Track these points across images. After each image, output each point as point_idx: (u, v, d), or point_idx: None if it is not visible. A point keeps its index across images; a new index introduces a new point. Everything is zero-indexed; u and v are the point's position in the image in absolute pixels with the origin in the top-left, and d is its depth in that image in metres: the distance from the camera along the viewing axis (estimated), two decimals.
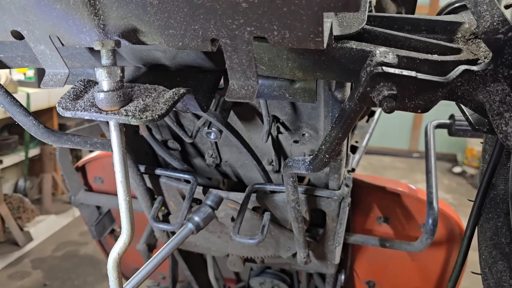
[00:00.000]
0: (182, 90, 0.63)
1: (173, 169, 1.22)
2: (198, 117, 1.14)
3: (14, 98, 0.80)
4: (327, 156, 0.70)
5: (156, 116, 0.58)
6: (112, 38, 0.62)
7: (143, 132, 1.11)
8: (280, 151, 1.16)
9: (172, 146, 1.31)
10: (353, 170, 1.26)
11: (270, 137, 1.13)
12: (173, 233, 1.38)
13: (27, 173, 4.53)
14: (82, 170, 1.55)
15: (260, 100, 0.98)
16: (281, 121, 1.09)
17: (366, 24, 0.68)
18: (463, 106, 0.73)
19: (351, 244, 1.39)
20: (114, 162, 0.64)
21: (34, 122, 0.82)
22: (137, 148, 1.25)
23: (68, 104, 0.61)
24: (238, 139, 1.02)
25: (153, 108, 0.60)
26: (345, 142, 1.03)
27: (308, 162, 0.77)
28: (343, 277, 1.39)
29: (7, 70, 4.00)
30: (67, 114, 0.60)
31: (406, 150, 6.67)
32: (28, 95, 3.87)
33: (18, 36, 0.65)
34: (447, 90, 0.57)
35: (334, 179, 1.01)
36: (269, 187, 1.11)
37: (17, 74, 4.04)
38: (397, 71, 0.53)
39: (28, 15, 0.61)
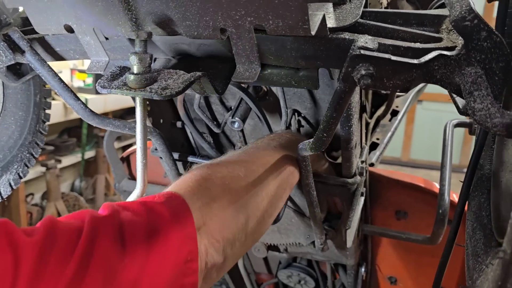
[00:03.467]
0: (198, 73, 0.75)
1: (204, 157, 1.34)
2: (227, 110, 1.25)
3: (66, 85, 0.95)
4: (325, 135, 0.79)
5: (174, 93, 0.70)
6: (143, 30, 0.75)
7: (182, 115, 1.25)
8: None
9: (207, 139, 1.43)
10: (372, 164, 1.33)
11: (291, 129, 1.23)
12: None
13: (83, 173, 4.86)
14: (126, 160, 1.72)
15: (278, 92, 1.08)
16: (302, 115, 1.18)
17: (362, 18, 0.77)
18: None
19: (372, 237, 1.45)
20: (136, 130, 0.77)
21: (81, 106, 0.97)
22: (173, 138, 1.38)
23: (105, 83, 0.75)
24: (267, 125, 1.13)
25: (172, 87, 0.72)
26: (357, 134, 1.11)
27: (311, 143, 0.86)
28: (363, 269, 1.45)
29: (69, 78, 4.35)
30: (104, 91, 0.74)
31: (456, 165, 6.53)
32: (86, 100, 4.18)
33: (69, 29, 0.80)
34: (423, 72, 0.64)
35: (346, 168, 1.09)
36: None
37: (77, 81, 4.38)
38: (374, 53, 0.62)
39: (77, 11, 0.75)
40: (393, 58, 0.62)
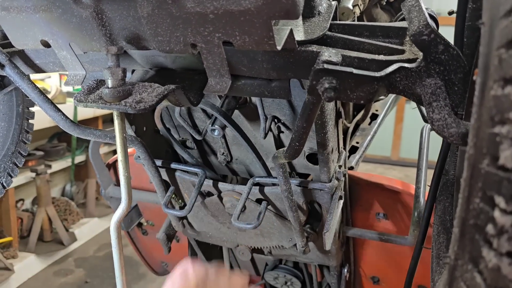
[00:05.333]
0: (172, 86, 0.77)
1: (186, 164, 1.37)
2: (209, 117, 1.28)
3: (46, 97, 0.97)
4: (297, 144, 0.82)
5: (148, 106, 0.72)
6: (117, 45, 0.77)
7: (158, 125, 1.27)
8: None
9: (190, 145, 1.46)
10: (351, 168, 1.36)
11: (272, 136, 1.25)
12: (189, 223, 1.52)
13: (74, 178, 4.85)
14: (113, 166, 1.73)
15: (256, 100, 1.11)
16: (281, 121, 1.21)
17: (330, 31, 0.79)
18: None
19: (353, 239, 1.48)
20: (116, 143, 0.79)
21: (62, 117, 0.99)
22: (157, 146, 1.40)
23: (82, 97, 0.77)
24: (239, 133, 1.15)
25: (146, 100, 0.74)
26: (334, 139, 1.14)
27: (285, 151, 0.88)
28: (346, 270, 1.48)
29: (57, 83, 4.34)
30: (80, 105, 0.76)
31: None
32: (75, 106, 4.17)
33: (46, 44, 0.82)
34: (385, 83, 0.67)
35: (324, 172, 1.12)
36: (269, 180, 1.23)
37: (66, 87, 4.38)
38: (336, 67, 0.65)
39: (52, 27, 0.77)
40: (355, 71, 0.64)
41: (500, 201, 0.35)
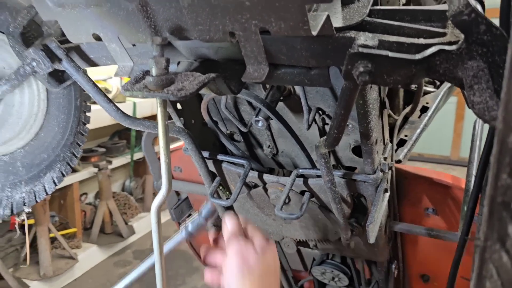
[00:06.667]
0: (212, 75, 0.80)
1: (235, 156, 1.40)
2: (255, 110, 1.30)
3: (100, 89, 1.03)
4: (335, 131, 0.82)
5: (188, 93, 0.75)
6: (161, 36, 0.81)
7: (204, 117, 1.31)
8: None
9: (237, 139, 1.49)
10: (399, 161, 1.33)
11: (317, 128, 1.25)
12: (236, 215, 1.54)
13: (133, 174, 5.07)
14: None
15: (300, 92, 1.11)
16: (326, 113, 1.20)
17: (370, 16, 0.79)
18: None
19: (402, 235, 1.44)
20: (158, 130, 0.82)
21: (114, 108, 1.05)
22: (205, 138, 1.45)
23: (128, 86, 0.81)
24: (283, 124, 1.16)
25: (187, 88, 0.77)
26: (379, 130, 1.12)
27: (325, 140, 0.88)
28: (393, 266, 1.44)
29: (118, 83, 4.56)
30: (127, 94, 0.80)
31: None
32: (134, 104, 4.37)
33: (98, 38, 0.87)
34: (424, 67, 0.66)
35: (368, 164, 1.10)
36: (313, 172, 1.23)
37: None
38: (371, 50, 0.64)
39: (102, 21, 0.82)
40: (391, 54, 0.64)
41: None
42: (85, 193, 4.67)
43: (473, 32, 0.62)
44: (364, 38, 0.67)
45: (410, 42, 0.70)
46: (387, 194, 1.19)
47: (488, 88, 0.61)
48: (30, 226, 3.66)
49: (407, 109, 1.41)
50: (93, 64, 1.06)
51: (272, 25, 0.68)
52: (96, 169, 4.21)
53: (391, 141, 1.29)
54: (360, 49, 0.64)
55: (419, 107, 1.43)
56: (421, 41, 0.69)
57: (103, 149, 4.57)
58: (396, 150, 1.35)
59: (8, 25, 1.05)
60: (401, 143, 1.39)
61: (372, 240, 1.11)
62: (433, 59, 0.66)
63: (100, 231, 4.37)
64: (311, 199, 1.27)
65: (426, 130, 1.45)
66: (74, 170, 4.07)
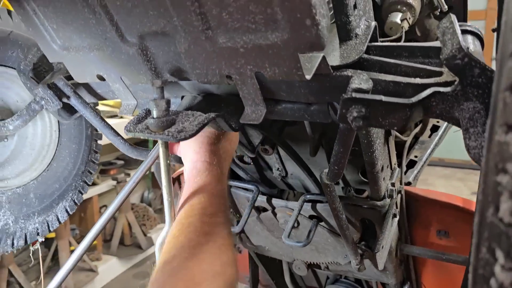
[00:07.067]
0: (212, 115, 0.81)
1: (241, 180, 1.40)
2: (262, 134, 1.31)
3: (107, 123, 1.06)
4: (336, 167, 0.82)
5: (188, 135, 0.77)
6: (162, 77, 0.82)
7: None
8: None
9: (247, 161, 1.49)
10: (409, 184, 1.31)
11: (325, 153, 1.25)
12: (247, 237, 1.55)
13: (151, 185, 5.13)
14: (177, 180, 1.83)
15: (305, 121, 1.12)
16: (331, 137, 1.20)
17: (368, 53, 0.79)
18: None
19: (414, 257, 1.42)
20: (161, 169, 0.84)
21: (121, 141, 1.07)
22: None
23: (131, 127, 0.83)
24: (289, 151, 1.17)
25: (187, 129, 0.78)
26: (385, 157, 1.11)
27: (327, 173, 0.88)
28: None
29: None
30: (129, 134, 0.82)
31: None
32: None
33: (101, 78, 0.89)
34: (419, 109, 0.65)
35: (374, 191, 1.09)
36: (320, 197, 1.23)
37: None
38: (365, 96, 0.64)
39: (105, 63, 0.84)
40: (385, 99, 0.63)
41: (499, 255, 0.34)
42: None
43: (467, 76, 0.62)
44: (358, 81, 0.67)
45: (407, 82, 0.70)
46: (396, 219, 1.18)
47: (484, 132, 0.61)
48: (51, 239, 3.73)
49: (417, 129, 1.39)
50: (100, 98, 1.09)
51: (267, 70, 0.69)
52: (114, 182, 4.27)
53: (400, 163, 1.28)
54: (354, 94, 0.64)
55: (429, 126, 1.42)
56: (418, 80, 0.69)
57: (121, 162, 4.63)
58: (406, 172, 1.34)
59: (20, 62, 1.08)
60: (412, 164, 1.38)
61: (380, 267, 1.10)
62: (428, 101, 0.65)
63: (119, 243, 4.43)
64: (320, 223, 1.27)
65: (447, 134, 1.42)
66: (93, 184, 4.13)
